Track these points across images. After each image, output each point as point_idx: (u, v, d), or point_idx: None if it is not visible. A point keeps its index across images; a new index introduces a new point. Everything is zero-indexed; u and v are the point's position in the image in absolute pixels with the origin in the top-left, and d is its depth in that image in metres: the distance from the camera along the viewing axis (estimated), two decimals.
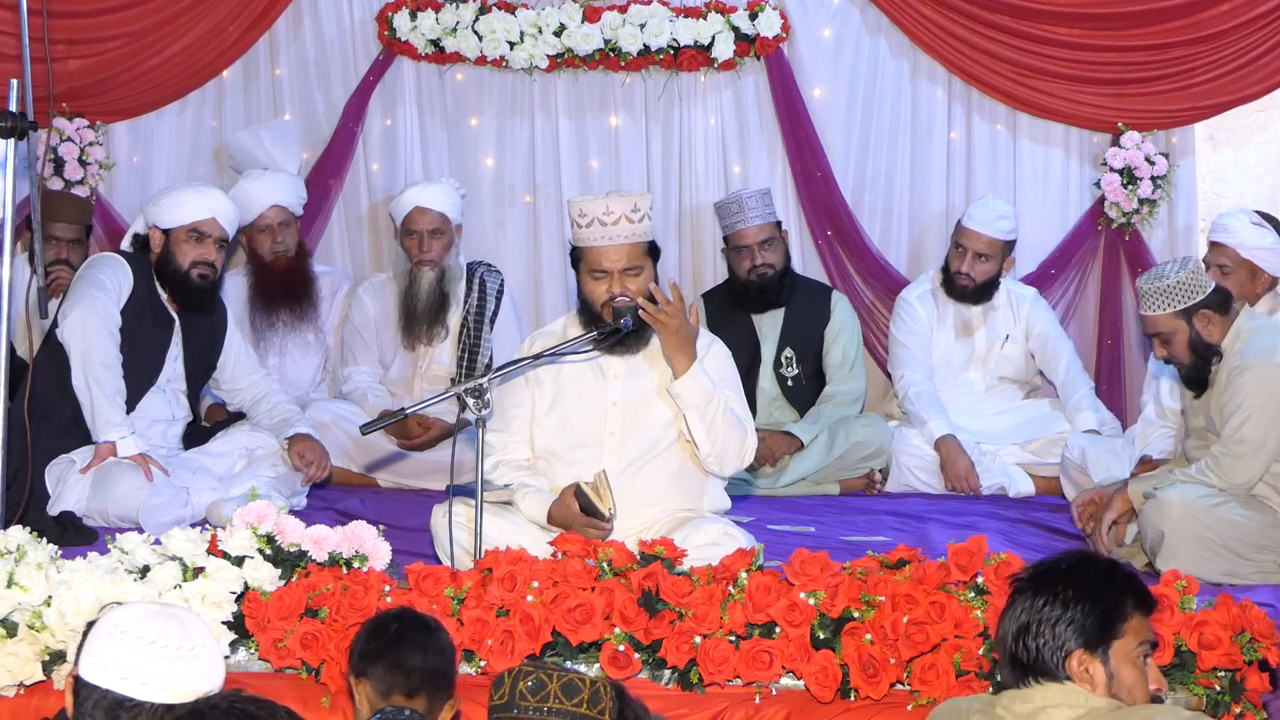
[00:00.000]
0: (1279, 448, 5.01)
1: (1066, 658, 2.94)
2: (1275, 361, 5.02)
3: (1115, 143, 6.89)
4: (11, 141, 4.53)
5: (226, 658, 3.94)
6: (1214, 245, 6.02)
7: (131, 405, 5.57)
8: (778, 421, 6.45)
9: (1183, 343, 5.11)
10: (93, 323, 5.43)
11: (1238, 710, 3.83)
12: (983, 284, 6.54)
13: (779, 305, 6.54)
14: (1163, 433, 5.98)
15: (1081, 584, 2.97)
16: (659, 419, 4.66)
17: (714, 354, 4.67)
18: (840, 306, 6.63)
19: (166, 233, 5.65)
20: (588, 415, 4.67)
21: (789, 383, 6.55)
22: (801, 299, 6.58)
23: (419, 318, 6.48)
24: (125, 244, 5.89)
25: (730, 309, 6.51)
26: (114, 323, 5.49)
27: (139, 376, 5.59)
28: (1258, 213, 6.16)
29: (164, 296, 5.69)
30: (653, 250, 4.64)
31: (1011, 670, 2.99)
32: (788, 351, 6.56)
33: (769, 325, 6.56)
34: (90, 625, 2.72)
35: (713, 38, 6.92)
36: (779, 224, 6.60)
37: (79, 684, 2.64)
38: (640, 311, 4.47)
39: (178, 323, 5.73)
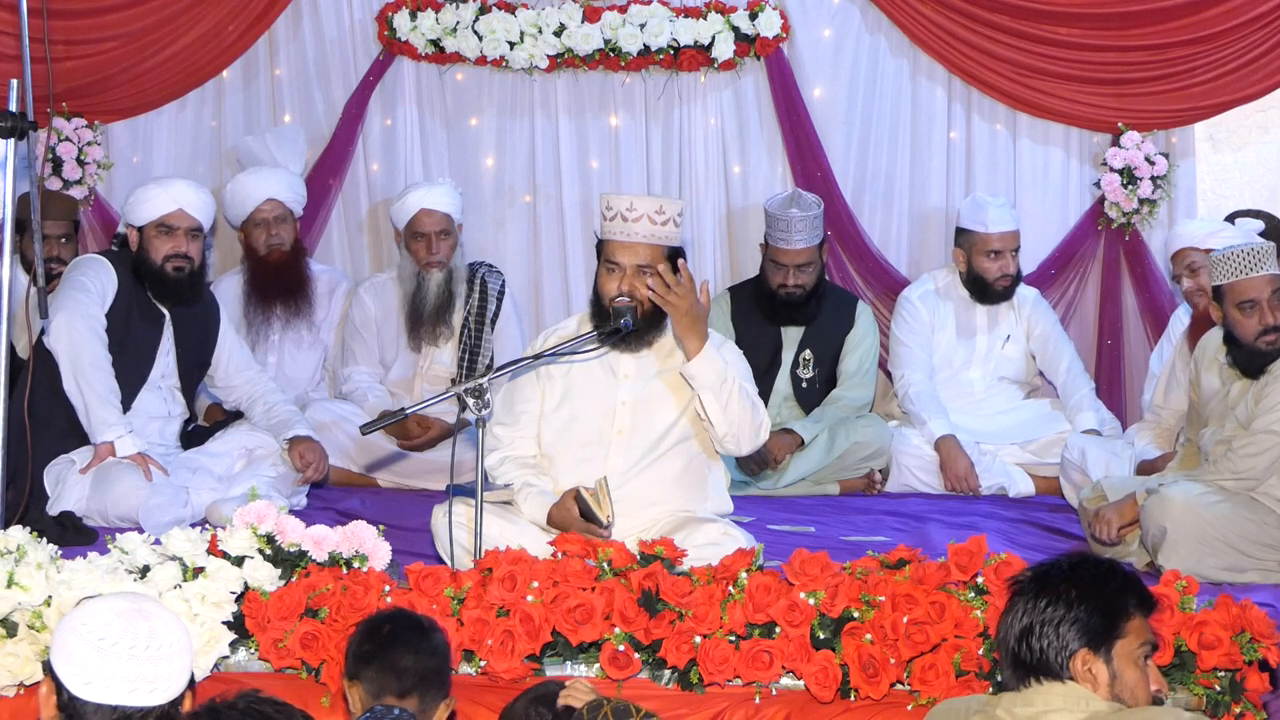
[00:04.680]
0: None
1: (1070, 658, 2.94)
2: None
3: (1115, 143, 6.89)
4: (11, 141, 4.53)
5: (225, 658, 3.96)
6: (1175, 255, 6.08)
7: (126, 404, 5.56)
8: (784, 421, 6.44)
9: None
10: (78, 325, 5.42)
11: (1238, 710, 3.83)
12: (1016, 275, 6.59)
13: (801, 323, 6.52)
14: (1163, 432, 5.99)
15: (1083, 584, 2.98)
16: (666, 420, 4.66)
17: (726, 349, 4.68)
18: (864, 317, 6.61)
19: (140, 230, 5.66)
20: (596, 413, 4.67)
21: (803, 384, 6.54)
22: (827, 307, 6.55)
23: (426, 319, 6.48)
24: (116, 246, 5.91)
25: (756, 309, 6.51)
26: (99, 323, 5.48)
27: (131, 374, 5.59)
28: (1228, 217, 6.25)
29: (151, 293, 5.69)
30: (673, 257, 4.58)
31: (1014, 671, 2.99)
32: (806, 353, 6.54)
33: (793, 329, 6.55)
34: (57, 633, 2.72)
35: (713, 38, 6.92)
36: (823, 240, 6.54)
37: (78, 705, 2.65)
38: (649, 293, 4.46)
39: (168, 318, 5.73)
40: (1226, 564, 4.92)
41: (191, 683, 2.73)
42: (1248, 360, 5.11)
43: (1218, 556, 4.91)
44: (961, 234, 6.59)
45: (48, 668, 2.69)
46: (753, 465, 6.22)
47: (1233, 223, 6.31)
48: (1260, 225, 6.36)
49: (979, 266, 6.53)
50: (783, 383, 6.53)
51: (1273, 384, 5.03)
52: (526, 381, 4.74)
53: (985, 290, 6.56)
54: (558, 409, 4.71)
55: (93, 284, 5.53)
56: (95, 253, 5.99)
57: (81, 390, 5.41)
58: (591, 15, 6.94)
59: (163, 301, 5.70)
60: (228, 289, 6.58)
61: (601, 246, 4.65)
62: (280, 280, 6.56)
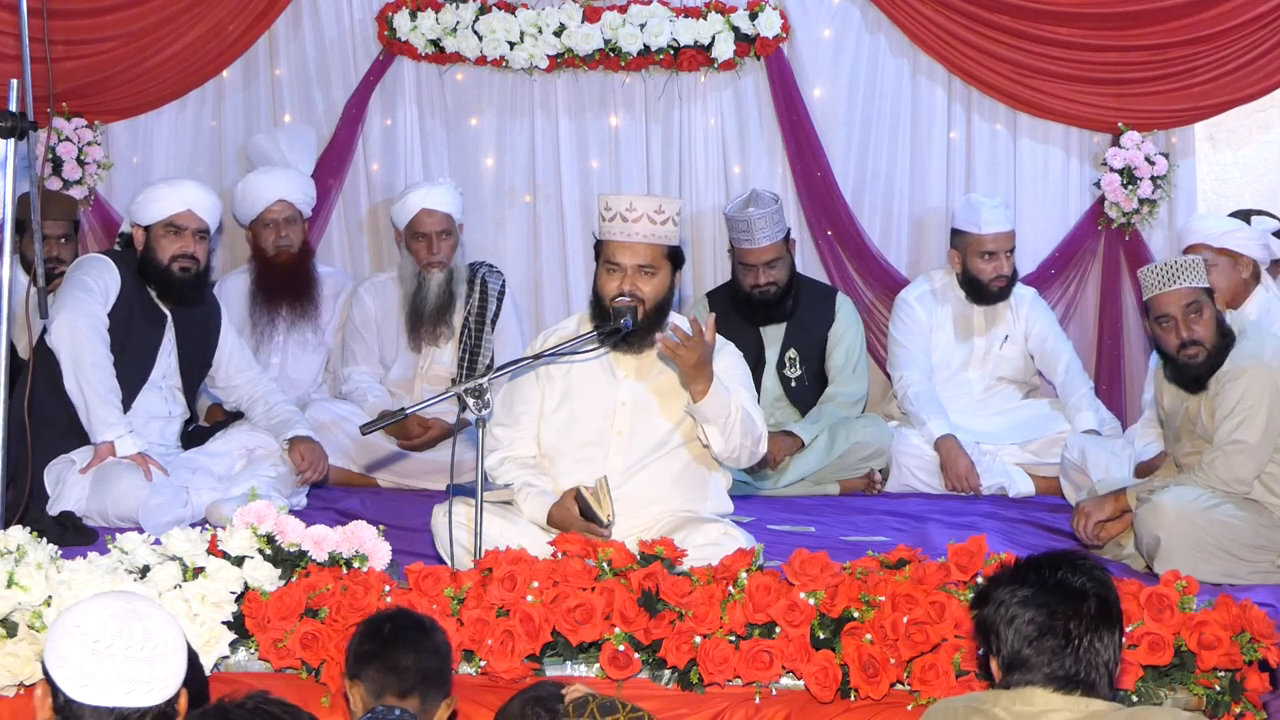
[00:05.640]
0: (1274, 445, 5.01)
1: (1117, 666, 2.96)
2: (1264, 362, 5.03)
3: (1115, 143, 6.89)
4: (11, 141, 4.53)
5: (225, 658, 3.96)
6: (1189, 249, 6.08)
7: (126, 403, 5.57)
8: (779, 421, 6.44)
9: (1211, 318, 5.08)
10: (80, 325, 5.42)
11: (1238, 710, 3.82)
12: (1011, 276, 6.58)
13: (780, 320, 6.53)
14: (1162, 432, 5.98)
15: (1115, 597, 2.98)
16: (666, 421, 4.67)
17: (725, 355, 4.68)
18: (844, 309, 6.62)
19: (147, 229, 5.66)
20: (596, 413, 4.68)
21: (792, 383, 6.54)
22: (805, 302, 6.56)
23: (426, 319, 6.48)
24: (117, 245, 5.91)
25: (733, 311, 6.51)
26: (101, 323, 5.48)
27: (131, 374, 5.59)
28: (1232, 214, 6.22)
29: (154, 293, 5.69)
30: (673, 256, 4.62)
31: (1061, 683, 2.93)
32: (791, 352, 6.55)
33: (773, 327, 6.56)
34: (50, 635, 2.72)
35: (713, 38, 6.92)
36: (788, 235, 6.56)
37: (74, 707, 2.65)
38: (660, 345, 4.46)
39: (170, 319, 5.73)
40: (1222, 570, 4.92)
41: (197, 679, 2.74)
42: (1178, 374, 5.17)
43: (1213, 563, 4.91)
44: (956, 235, 6.60)
45: (43, 670, 2.70)
46: (753, 465, 6.22)
47: (1248, 221, 6.27)
48: (1276, 225, 6.33)
49: (973, 267, 6.53)
50: (771, 383, 6.53)
51: (1222, 394, 5.05)
52: (526, 382, 4.74)
53: (981, 291, 6.56)
54: (557, 409, 4.71)
55: (96, 283, 5.53)
56: (99, 252, 6.00)
57: (82, 389, 5.41)
58: (591, 15, 6.94)
59: (166, 302, 5.70)
60: (233, 287, 6.58)
61: (600, 247, 4.65)
62: (287, 281, 6.56)
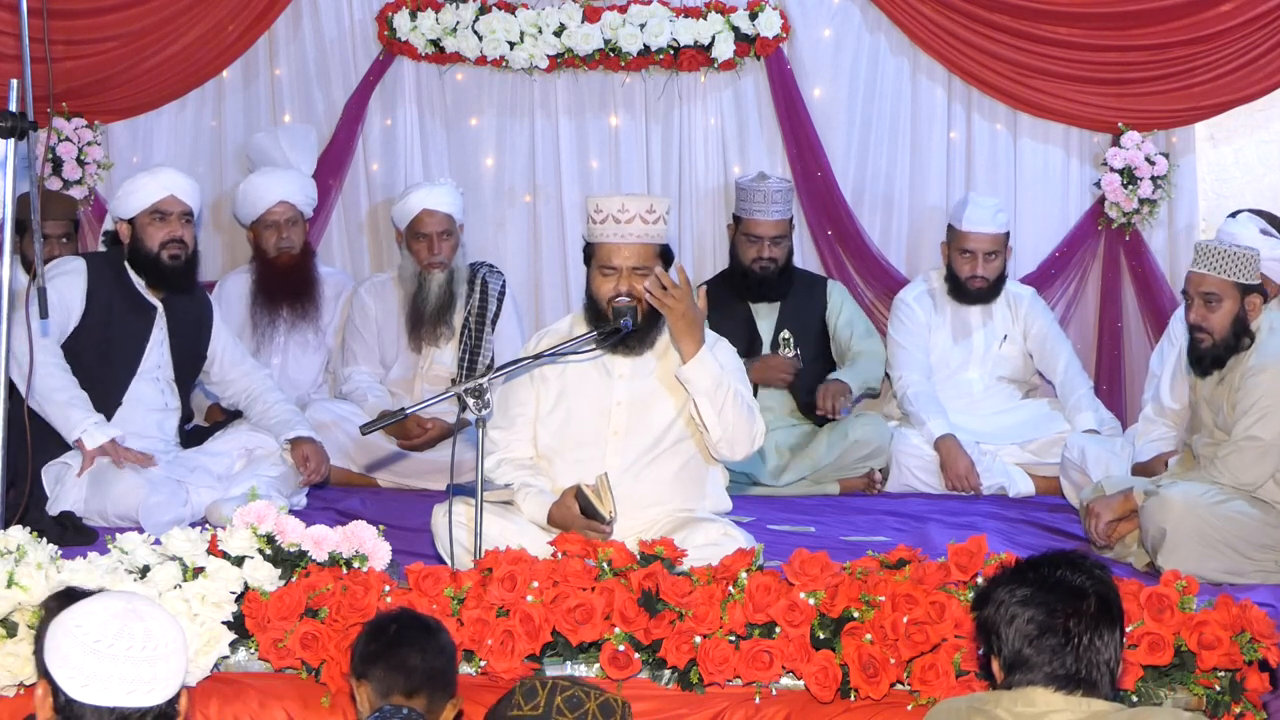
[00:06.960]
0: None
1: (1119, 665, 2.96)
2: None
3: (1115, 143, 6.89)
4: (11, 141, 4.53)
5: (225, 658, 3.96)
6: None
7: (117, 397, 5.57)
8: (775, 409, 6.45)
9: (1229, 312, 5.10)
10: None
11: (1238, 710, 3.83)
12: (995, 281, 6.55)
13: (774, 300, 6.55)
14: (1162, 432, 5.97)
15: (1116, 595, 2.98)
16: (662, 419, 4.66)
17: (721, 350, 4.68)
18: (835, 291, 6.69)
19: (132, 222, 5.66)
20: (591, 413, 4.67)
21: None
22: (798, 288, 6.61)
23: (426, 320, 6.48)
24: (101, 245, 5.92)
25: (726, 290, 6.51)
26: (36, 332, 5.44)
27: (118, 368, 5.59)
28: (1261, 214, 6.16)
29: (141, 286, 5.68)
30: (665, 254, 4.63)
31: (1063, 682, 2.93)
32: (784, 333, 6.57)
33: (765, 308, 6.59)
34: (45, 631, 2.72)
35: (713, 38, 6.92)
36: (792, 219, 6.62)
37: (76, 707, 2.65)
38: (647, 295, 4.47)
39: (160, 310, 5.72)
40: (1227, 567, 4.92)
41: None
42: (1188, 352, 5.27)
43: (1218, 559, 4.92)
44: (947, 230, 6.62)
45: (43, 670, 2.70)
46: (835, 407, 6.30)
47: None
48: None
49: (955, 264, 6.54)
50: None
51: (1244, 388, 5.05)
52: (521, 384, 4.74)
53: (961, 289, 6.55)
54: (554, 410, 4.71)
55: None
56: (74, 254, 5.99)
57: (40, 401, 5.39)
58: (591, 15, 6.94)
59: (158, 290, 5.70)
60: (234, 288, 6.59)
61: (592, 250, 4.64)
62: (288, 283, 6.56)
